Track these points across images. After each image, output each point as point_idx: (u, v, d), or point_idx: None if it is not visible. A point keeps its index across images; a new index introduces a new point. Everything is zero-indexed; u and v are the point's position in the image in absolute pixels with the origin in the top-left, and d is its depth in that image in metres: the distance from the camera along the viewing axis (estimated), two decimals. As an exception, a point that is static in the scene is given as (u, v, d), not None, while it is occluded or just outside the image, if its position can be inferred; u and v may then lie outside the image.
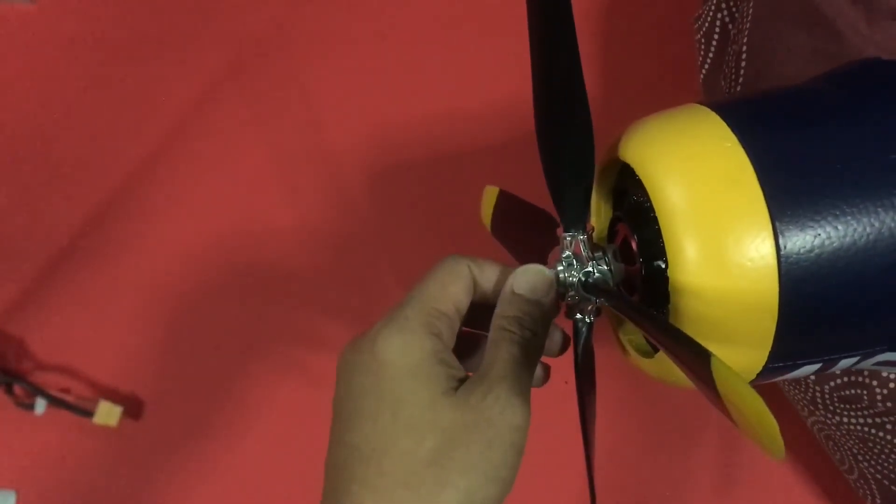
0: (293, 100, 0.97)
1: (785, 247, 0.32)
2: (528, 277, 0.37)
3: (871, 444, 0.64)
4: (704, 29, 0.76)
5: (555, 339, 0.41)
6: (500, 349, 0.36)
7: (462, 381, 0.36)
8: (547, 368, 0.41)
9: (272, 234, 0.91)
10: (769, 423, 0.25)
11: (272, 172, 0.94)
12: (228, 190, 0.93)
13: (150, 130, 0.96)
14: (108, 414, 0.82)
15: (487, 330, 0.38)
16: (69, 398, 0.84)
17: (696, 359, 0.28)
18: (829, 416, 0.66)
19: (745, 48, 0.66)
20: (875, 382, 0.59)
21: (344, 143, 0.95)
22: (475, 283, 0.38)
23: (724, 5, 0.74)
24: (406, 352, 0.35)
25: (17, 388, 0.83)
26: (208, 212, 0.92)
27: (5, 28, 1.00)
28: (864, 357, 0.36)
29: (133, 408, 0.85)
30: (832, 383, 0.63)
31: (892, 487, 0.66)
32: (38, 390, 0.83)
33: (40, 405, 0.83)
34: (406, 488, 0.33)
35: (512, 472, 0.34)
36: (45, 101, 0.97)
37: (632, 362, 0.42)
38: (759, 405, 0.25)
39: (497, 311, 0.37)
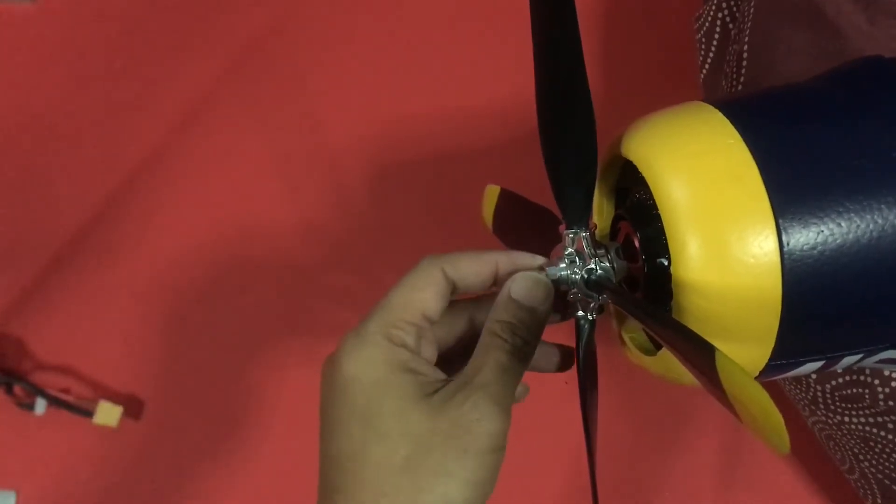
0: (293, 99, 0.97)
1: (788, 244, 0.32)
2: (527, 284, 0.37)
3: (872, 444, 0.64)
4: (705, 28, 0.76)
5: (551, 357, 0.41)
6: (487, 355, 0.36)
7: (439, 384, 0.36)
8: (526, 386, 0.42)
9: (272, 233, 0.91)
10: (774, 417, 0.25)
11: (273, 171, 0.94)
12: (229, 189, 0.93)
13: (151, 130, 0.96)
14: (108, 414, 0.82)
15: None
16: (69, 398, 0.83)
17: (699, 354, 0.28)
18: (830, 415, 0.66)
19: (746, 48, 0.66)
20: (877, 381, 0.59)
21: (344, 141, 0.95)
22: (454, 283, 0.39)
23: (724, 5, 0.74)
24: (369, 365, 0.36)
25: (17, 388, 0.83)
26: (208, 211, 0.92)
27: (5, 28, 1.00)
28: (867, 355, 0.36)
29: (133, 408, 0.85)
30: (833, 382, 0.63)
31: (894, 487, 0.66)
32: (38, 390, 0.83)
33: (40, 405, 0.82)
34: (384, 496, 0.34)
35: (491, 475, 0.35)
36: (44, 101, 0.97)
37: (633, 360, 0.42)
38: (764, 399, 0.25)
39: (491, 314, 0.37)
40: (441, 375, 0.37)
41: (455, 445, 0.34)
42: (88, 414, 0.82)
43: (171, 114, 0.96)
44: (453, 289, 0.39)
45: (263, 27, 1.01)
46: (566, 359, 0.42)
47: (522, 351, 0.36)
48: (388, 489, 0.34)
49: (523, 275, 0.38)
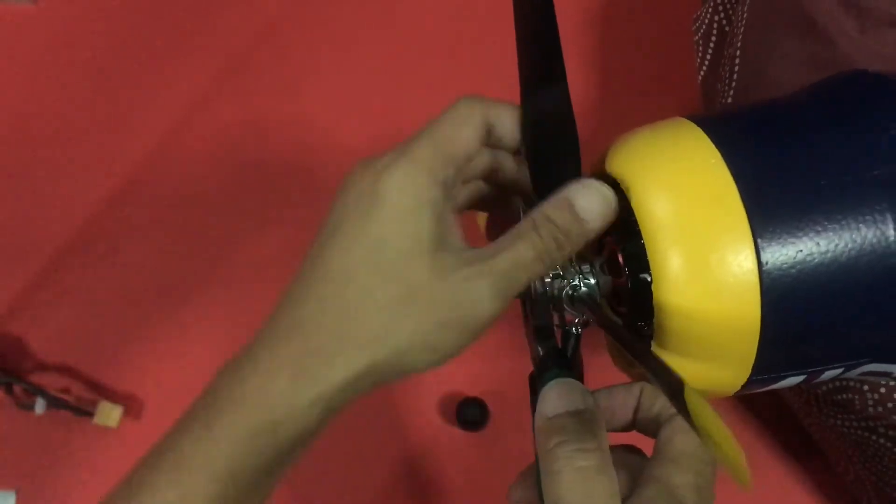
0: (291, 100, 0.98)
1: (767, 262, 0.32)
2: (593, 197, 0.35)
3: (864, 447, 0.64)
4: (703, 30, 0.76)
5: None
6: (516, 244, 0.34)
7: (456, 243, 0.35)
8: None
9: (271, 235, 0.91)
10: (736, 456, 0.25)
11: (270, 173, 0.94)
12: (226, 190, 0.93)
13: (150, 130, 0.96)
14: (108, 414, 0.83)
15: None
16: (69, 398, 0.84)
17: (670, 388, 0.28)
18: (824, 418, 0.66)
19: (738, 52, 0.67)
20: (866, 388, 0.59)
21: (342, 143, 0.95)
22: (491, 128, 0.37)
23: (721, 7, 0.74)
24: (405, 194, 0.34)
25: (17, 388, 0.83)
26: (206, 211, 0.93)
27: (5, 28, 1.00)
28: (849, 368, 0.36)
29: (133, 408, 0.85)
30: (825, 387, 0.63)
31: (887, 490, 0.66)
32: (38, 390, 0.83)
33: (40, 405, 0.83)
34: (352, 320, 0.34)
35: (455, 350, 0.34)
36: (44, 101, 0.98)
37: (620, 367, 0.42)
38: (726, 438, 0.25)
39: (541, 206, 0.35)
40: (459, 232, 0.36)
41: (439, 312, 0.33)
42: (88, 414, 0.82)
43: (170, 115, 0.97)
44: (489, 135, 0.37)
45: (263, 29, 1.01)
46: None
47: (551, 256, 0.35)
48: (359, 315, 0.34)
49: (593, 186, 0.35)
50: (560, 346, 0.39)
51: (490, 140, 0.37)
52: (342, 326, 0.34)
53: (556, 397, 0.35)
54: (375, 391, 0.36)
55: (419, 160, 0.35)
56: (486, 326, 0.34)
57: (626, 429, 0.39)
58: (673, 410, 0.36)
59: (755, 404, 0.83)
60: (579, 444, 0.33)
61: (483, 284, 0.34)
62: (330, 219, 0.36)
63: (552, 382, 0.35)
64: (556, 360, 0.37)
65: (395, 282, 0.34)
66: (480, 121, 0.36)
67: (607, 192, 0.35)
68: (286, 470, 0.36)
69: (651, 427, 0.37)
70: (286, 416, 0.34)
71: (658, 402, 0.37)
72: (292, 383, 0.34)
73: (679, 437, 0.35)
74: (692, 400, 0.26)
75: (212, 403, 0.35)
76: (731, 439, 0.25)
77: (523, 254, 0.34)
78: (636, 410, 0.38)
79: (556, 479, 0.32)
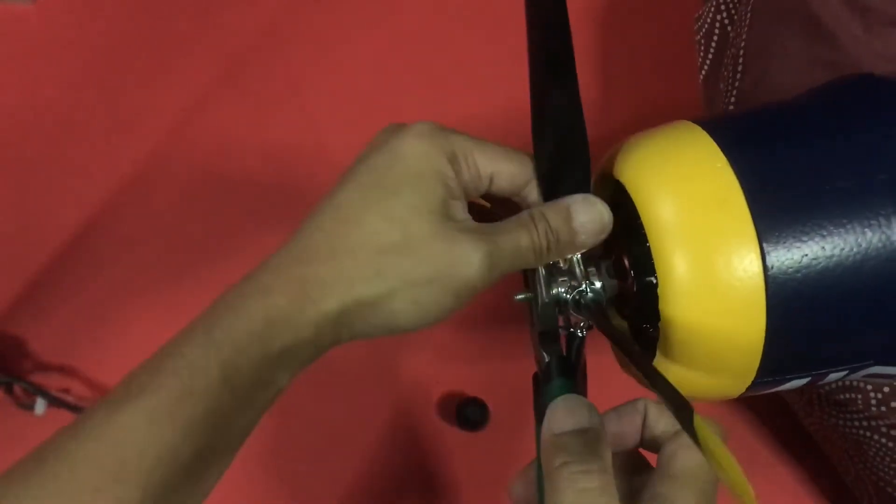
0: (291, 100, 0.98)
1: (772, 266, 0.32)
2: (589, 214, 0.37)
3: (865, 447, 0.64)
4: (704, 30, 0.76)
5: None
6: (515, 230, 0.37)
7: (460, 215, 0.37)
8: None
9: (273, 235, 0.91)
10: (741, 481, 0.25)
11: (269, 173, 0.94)
12: (226, 191, 0.93)
13: (149, 130, 0.96)
14: (107, 414, 0.82)
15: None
16: (69, 398, 0.84)
17: (677, 408, 0.28)
18: (825, 417, 0.66)
19: (742, 52, 0.66)
20: (869, 387, 0.59)
21: (342, 143, 0.95)
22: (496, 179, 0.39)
23: (723, 7, 0.73)
24: (425, 161, 0.37)
25: (17, 388, 0.83)
26: (207, 212, 0.93)
27: (5, 28, 1.00)
28: (853, 371, 0.36)
29: (133, 408, 0.85)
30: (827, 387, 0.63)
31: (888, 489, 0.66)
32: (38, 390, 0.83)
33: (40, 405, 0.83)
34: (352, 258, 0.36)
35: (434, 311, 0.36)
36: (44, 101, 0.98)
37: (625, 370, 0.42)
38: (731, 463, 0.26)
39: (544, 205, 0.38)
40: (465, 210, 0.38)
41: (430, 267, 0.35)
42: (88, 414, 0.82)
43: (170, 115, 0.96)
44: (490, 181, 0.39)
45: (263, 29, 1.01)
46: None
47: (542, 252, 0.37)
48: (358, 254, 0.36)
49: (594, 203, 0.37)
50: (564, 351, 0.39)
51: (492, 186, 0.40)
52: (342, 262, 0.36)
53: (563, 415, 0.35)
54: (359, 341, 0.38)
55: (446, 143, 0.37)
56: (469, 293, 0.36)
57: (633, 448, 0.39)
58: (677, 426, 0.36)
59: (755, 404, 0.83)
60: (583, 465, 0.33)
61: (477, 249, 0.36)
62: (353, 166, 0.38)
63: (559, 399, 0.36)
64: (561, 369, 0.37)
65: (399, 231, 0.36)
66: (528, 174, 0.39)
67: (605, 212, 0.37)
68: (276, 392, 0.39)
69: (655, 444, 0.37)
70: (283, 327, 0.36)
71: (662, 421, 0.38)
72: (291, 302, 0.36)
73: (682, 452, 0.35)
74: (699, 425, 0.26)
75: (212, 313, 0.38)
76: (735, 464, 0.26)
77: (520, 239, 0.37)
78: (642, 428, 0.38)
79: (559, 497, 0.33)
